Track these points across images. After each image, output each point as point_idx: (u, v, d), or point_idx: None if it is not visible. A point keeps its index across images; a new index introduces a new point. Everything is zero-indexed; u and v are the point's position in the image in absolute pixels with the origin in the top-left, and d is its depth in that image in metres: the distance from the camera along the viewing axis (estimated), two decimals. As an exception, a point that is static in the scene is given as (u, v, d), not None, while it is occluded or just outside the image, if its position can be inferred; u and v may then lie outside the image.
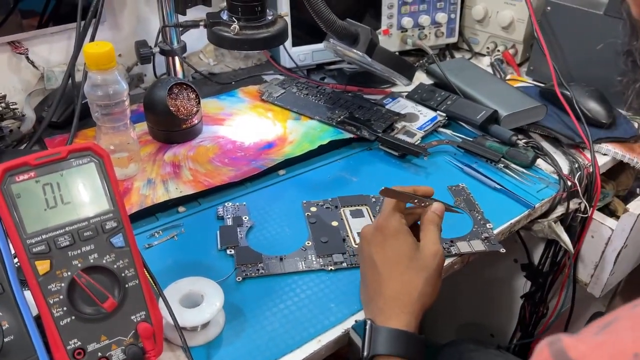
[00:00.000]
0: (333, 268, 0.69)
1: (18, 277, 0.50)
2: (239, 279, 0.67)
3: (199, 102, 0.92)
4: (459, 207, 0.79)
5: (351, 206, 0.80)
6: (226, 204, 0.79)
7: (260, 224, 0.76)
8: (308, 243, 0.73)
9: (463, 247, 0.73)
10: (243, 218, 0.76)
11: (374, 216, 0.78)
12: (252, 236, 0.74)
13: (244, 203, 0.79)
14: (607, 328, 0.31)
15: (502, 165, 0.88)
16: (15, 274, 0.50)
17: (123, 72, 1.05)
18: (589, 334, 0.31)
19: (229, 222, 0.75)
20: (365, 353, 0.57)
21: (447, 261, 0.71)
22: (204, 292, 0.61)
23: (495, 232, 0.76)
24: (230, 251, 0.71)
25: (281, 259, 0.70)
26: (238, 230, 0.74)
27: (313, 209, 0.79)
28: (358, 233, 0.73)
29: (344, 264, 0.70)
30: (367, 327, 0.58)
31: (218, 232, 0.74)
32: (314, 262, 0.70)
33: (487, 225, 0.76)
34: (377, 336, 0.57)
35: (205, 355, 0.59)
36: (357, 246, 0.72)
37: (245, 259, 0.70)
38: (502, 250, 0.73)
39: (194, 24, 0.88)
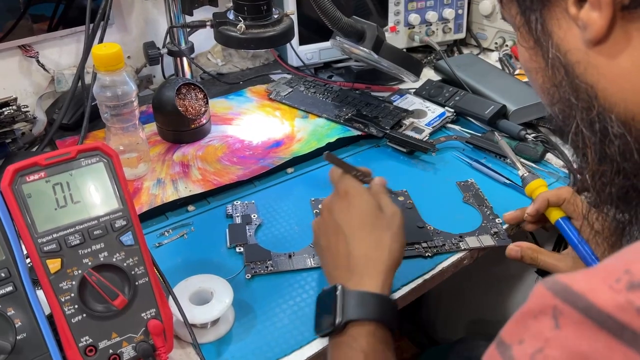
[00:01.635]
0: (342, 264, 0.69)
1: (30, 277, 0.51)
2: (248, 276, 0.67)
3: (207, 102, 0.92)
4: (468, 203, 0.79)
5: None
6: (235, 202, 0.79)
7: (268, 221, 0.76)
8: (317, 240, 0.73)
9: (472, 242, 0.73)
10: (252, 216, 0.76)
11: None
12: (261, 234, 0.74)
13: (253, 201, 0.79)
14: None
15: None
16: (27, 273, 0.51)
17: (132, 74, 1.06)
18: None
19: (238, 220, 0.76)
20: (338, 320, 0.53)
21: (456, 256, 0.71)
22: (213, 289, 0.61)
23: (504, 227, 0.75)
24: (240, 249, 0.71)
25: (290, 256, 0.70)
26: (247, 228, 0.74)
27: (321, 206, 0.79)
28: None
29: None
30: (338, 292, 0.54)
31: (227, 230, 0.74)
32: (323, 259, 0.70)
33: (497, 220, 0.76)
34: (349, 300, 0.54)
35: (215, 352, 0.59)
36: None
37: (254, 256, 0.70)
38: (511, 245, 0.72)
39: (201, 24, 0.88)
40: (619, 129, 0.38)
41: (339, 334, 0.54)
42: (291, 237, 0.74)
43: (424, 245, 0.72)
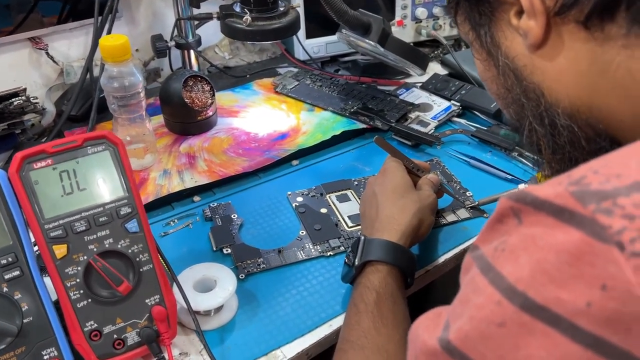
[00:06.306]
0: (332, 253, 0.70)
1: (38, 264, 0.52)
2: (241, 276, 0.66)
3: (214, 94, 0.93)
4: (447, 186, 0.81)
5: (336, 192, 0.81)
6: (210, 204, 0.78)
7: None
8: (302, 232, 0.74)
9: (449, 216, 0.76)
10: (232, 216, 0.75)
11: (359, 198, 0.79)
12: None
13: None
14: None
15: (516, 153, 0.87)
16: (34, 257, 0.52)
17: (140, 67, 1.07)
18: None
19: (219, 222, 0.74)
20: (357, 261, 0.60)
21: (459, 248, 0.72)
22: (217, 277, 0.62)
23: (476, 201, 0.78)
24: (227, 250, 0.70)
25: (280, 252, 0.70)
26: (230, 228, 0.73)
27: (299, 199, 0.79)
28: (349, 216, 0.76)
29: (342, 248, 0.71)
30: (361, 240, 0.62)
31: (210, 233, 0.73)
32: (312, 250, 0.71)
33: (467, 193, 0.80)
34: (369, 246, 0.61)
35: (218, 339, 0.60)
36: (350, 229, 0.74)
37: (243, 255, 0.69)
38: (486, 215, 0.77)
39: (208, 17, 0.89)
40: (566, 121, 0.42)
41: (358, 276, 0.60)
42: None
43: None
